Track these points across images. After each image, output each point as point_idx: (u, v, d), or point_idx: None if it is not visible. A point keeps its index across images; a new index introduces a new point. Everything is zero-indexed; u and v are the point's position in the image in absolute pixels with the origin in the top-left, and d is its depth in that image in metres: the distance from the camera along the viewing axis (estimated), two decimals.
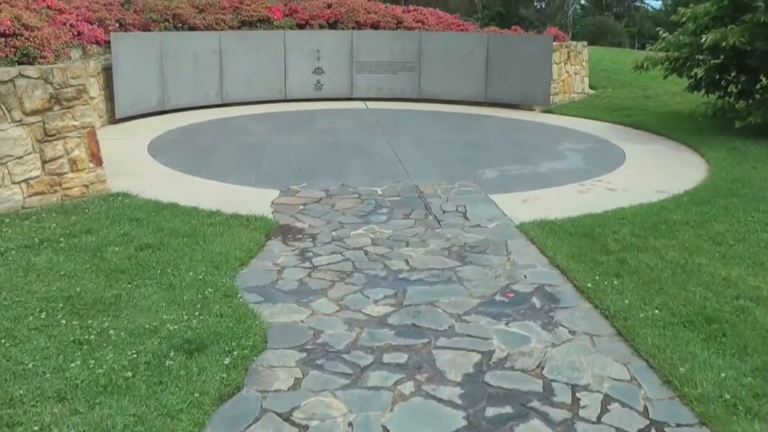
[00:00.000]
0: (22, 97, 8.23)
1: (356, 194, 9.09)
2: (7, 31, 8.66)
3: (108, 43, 13.60)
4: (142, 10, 15.34)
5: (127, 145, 11.85)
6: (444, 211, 8.40)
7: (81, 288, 5.82)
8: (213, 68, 15.98)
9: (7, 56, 8.43)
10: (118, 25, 14.46)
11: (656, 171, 10.61)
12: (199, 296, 5.73)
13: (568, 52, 17.81)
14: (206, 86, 15.89)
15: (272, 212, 8.27)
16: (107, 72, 13.72)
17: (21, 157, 8.27)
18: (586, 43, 19.15)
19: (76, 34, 12.79)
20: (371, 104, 17.11)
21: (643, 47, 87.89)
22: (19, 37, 8.70)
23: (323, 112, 15.95)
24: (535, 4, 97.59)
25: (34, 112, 8.36)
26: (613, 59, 24.49)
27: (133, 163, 10.60)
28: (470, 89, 17.15)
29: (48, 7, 12.89)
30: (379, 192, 9.21)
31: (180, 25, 15.76)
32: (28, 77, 8.31)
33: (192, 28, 15.94)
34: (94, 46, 13.37)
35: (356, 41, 17.41)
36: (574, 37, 26.60)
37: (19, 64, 8.48)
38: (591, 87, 19.44)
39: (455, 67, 17.33)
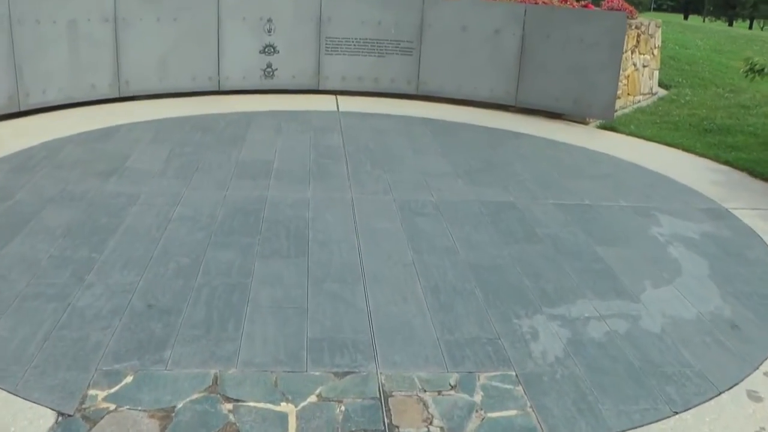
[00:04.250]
0: None
1: None
2: None
3: None
4: None
5: None
6: None
7: None
8: (104, 45, 10.51)
9: None
10: None
11: None
12: None
13: (638, 36, 12.02)
14: (92, 72, 10.37)
15: None
16: None
17: None
18: (660, 21, 13.25)
19: None
20: (345, 102, 11.41)
21: (660, 8, 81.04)
22: None
23: (267, 117, 10.27)
24: None
25: None
26: (680, 41, 18.62)
27: None
28: (493, 86, 11.58)
29: None
30: None
31: None
32: None
33: None
34: None
35: (327, 6, 11.85)
36: None
37: None
38: (660, 84, 13.61)
39: (473, 52, 11.75)
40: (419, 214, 6.97)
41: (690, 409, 4.21)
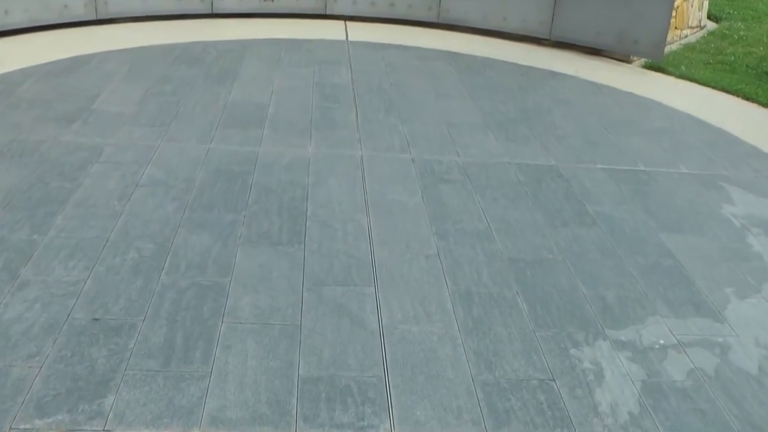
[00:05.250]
0: None
1: None
2: None
3: None
4: None
5: None
6: None
7: None
8: None
9: None
10: None
11: None
12: None
13: None
14: None
15: None
16: None
17: None
18: None
19: None
20: (356, 30, 10.00)
21: None
22: None
23: (265, 46, 8.94)
24: None
25: None
26: None
27: None
28: (525, 16, 10.15)
29: None
30: None
31: None
32: None
33: None
34: None
35: None
36: None
37: None
38: (708, 16, 12.10)
39: None
40: (443, 181, 5.71)
41: None
